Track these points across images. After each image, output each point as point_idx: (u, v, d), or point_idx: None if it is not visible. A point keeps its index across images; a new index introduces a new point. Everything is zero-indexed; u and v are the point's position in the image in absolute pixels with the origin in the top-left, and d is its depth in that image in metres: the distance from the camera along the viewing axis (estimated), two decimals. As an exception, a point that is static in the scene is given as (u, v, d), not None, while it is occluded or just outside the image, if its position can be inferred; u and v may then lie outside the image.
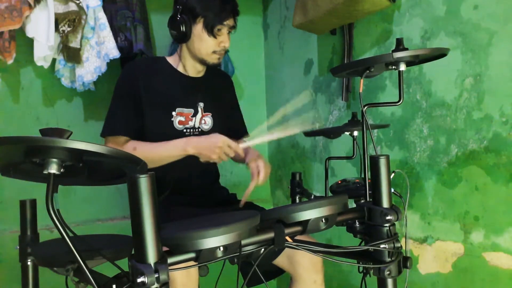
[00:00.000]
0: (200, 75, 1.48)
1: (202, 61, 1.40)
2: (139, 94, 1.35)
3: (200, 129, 1.42)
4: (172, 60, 1.46)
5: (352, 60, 1.73)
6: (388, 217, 0.87)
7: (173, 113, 1.38)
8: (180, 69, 1.44)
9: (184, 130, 1.39)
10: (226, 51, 2.21)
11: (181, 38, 1.37)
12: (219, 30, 1.35)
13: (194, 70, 1.45)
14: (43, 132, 0.67)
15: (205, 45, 1.36)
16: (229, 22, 1.37)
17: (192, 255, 0.71)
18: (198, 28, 1.34)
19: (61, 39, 1.76)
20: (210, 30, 1.33)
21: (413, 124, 1.45)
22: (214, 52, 1.37)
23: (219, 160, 1.23)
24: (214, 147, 1.20)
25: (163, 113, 1.37)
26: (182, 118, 1.39)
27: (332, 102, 1.92)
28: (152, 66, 1.43)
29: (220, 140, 1.21)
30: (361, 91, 0.95)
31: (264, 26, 2.56)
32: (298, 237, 0.87)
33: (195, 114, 1.42)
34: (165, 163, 1.29)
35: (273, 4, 2.44)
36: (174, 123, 1.37)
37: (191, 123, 1.40)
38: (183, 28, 1.34)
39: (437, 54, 0.95)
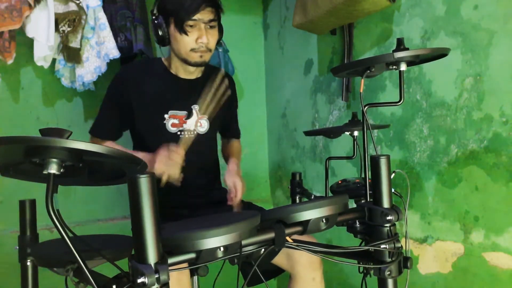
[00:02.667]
0: (194, 76, 1.43)
1: (185, 61, 1.34)
2: (128, 101, 1.35)
3: (196, 132, 1.40)
4: (166, 61, 1.43)
5: (352, 60, 1.72)
6: (389, 217, 0.87)
7: (166, 115, 1.36)
8: (172, 71, 1.42)
9: (178, 133, 1.37)
10: (227, 51, 2.22)
11: (161, 41, 1.34)
12: (191, 26, 1.27)
13: (183, 71, 1.41)
14: (43, 132, 0.67)
15: (182, 44, 1.29)
16: (202, 15, 1.27)
17: (193, 255, 0.71)
18: (172, 28, 1.30)
19: (61, 39, 1.76)
20: (180, 27, 1.27)
21: (413, 124, 1.45)
22: (192, 50, 1.30)
23: (168, 170, 1.22)
24: (159, 161, 1.22)
25: (155, 116, 1.36)
26: (176, 121, 1.37)
27: (332, 102, 1.91)
28: (145, 69, 1.41)
29: (159, 155, 1.23)
30: (361, 91, 0.95)
31: (264, 26, 2.56)
32: (298, 237, 0.87)
33: (189, 117, 1.40)
34: None
35: (273, 4, 2.44)
36: (167, 126, 1.36)
37: (185, 126, 1.38)
38: (160, 32, 1.31)
39: (438, 54, 0.95)
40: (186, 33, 1.28)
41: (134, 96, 1.35)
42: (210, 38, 1.31)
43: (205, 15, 1.28)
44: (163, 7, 1.31)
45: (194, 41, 1.29)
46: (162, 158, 1.22)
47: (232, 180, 1.35)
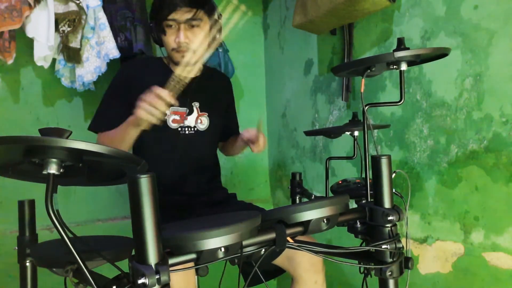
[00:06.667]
0: (192, 75, 1.44)
1: (172, 61, 1.38)
2: (133, 92, 1.35)
3: (196, 129, 1.41)
4: (166, 60, 1.46)
5: (352, 60, 1.72)
6: (390, 218, 0.87)
7: (167, 111, 1.37)
8: (172, 68, 1.44)
9: (179, 129, 1.38)
10: (227, 51, 2.21)
11: (156, 43, 1.39)
12: (169, 26, 1.29)
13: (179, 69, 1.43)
14: (42, 131, 0.67)
15: (165, 44, 1.34)
16: (178, 15, 1.26)
17: (193, 256, 0.70)
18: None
19: (61, 39, 1.75)
20: (159, 28, 1.31)
21: (413, 124, 1.45)
22: (173, 50, 1.32)
23: (149, 116, 1.10)
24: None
25: None
26: (177, 117, 1.39)
27: (332, 102, 1.91)
28: (148, 66, 1.43)
29: (141, 101, 1.11)
30: (362, 91, 0.95)
31: (264, 26, 2.56)
32: (298, 238, 0.87)
33: (190, 113, 1.41)
34: (129, 143, 1.26)
35: (273, 4, 2.44)
36: (168, 121, 1.37)
37: (186, 122, 1.40)
38: (153, 34, 1.36)
39: (438, 54, 0.95)
40: (164, 33, 1.31)
41: (138, 91, 1.34)
42: (191, 37, 1.30)
43: (180, 15, 1.27)
44: (152, 11, 1.36)
45: (173, 41, 1.30)
46: (145, 106, 1.11)
47: (248, 131, 1.37)
